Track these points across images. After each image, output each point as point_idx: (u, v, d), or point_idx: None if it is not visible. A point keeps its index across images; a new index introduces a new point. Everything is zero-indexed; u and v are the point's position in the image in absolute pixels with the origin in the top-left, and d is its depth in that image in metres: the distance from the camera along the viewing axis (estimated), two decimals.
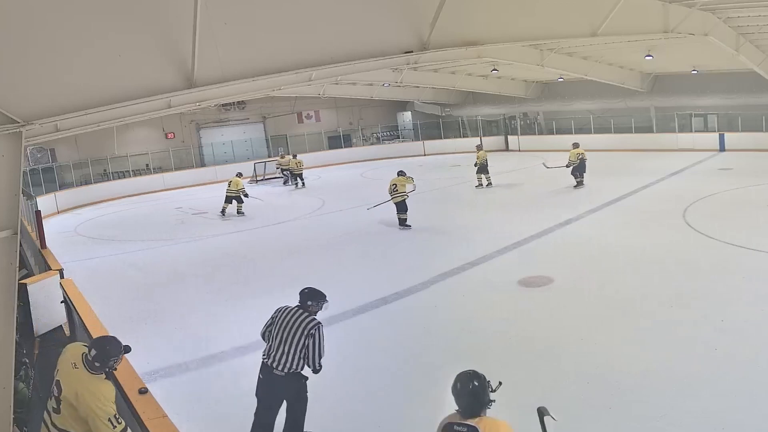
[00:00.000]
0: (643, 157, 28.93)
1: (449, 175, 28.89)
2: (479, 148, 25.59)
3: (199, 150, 40.26)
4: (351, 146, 43.34)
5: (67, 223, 26.26)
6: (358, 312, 11.30)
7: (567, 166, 22.96)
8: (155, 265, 16.97)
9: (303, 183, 31.42)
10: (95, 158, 35.49)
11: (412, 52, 15.42)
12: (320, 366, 6.56)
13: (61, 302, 10.50)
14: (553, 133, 37.50)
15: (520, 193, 23.12)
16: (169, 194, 33.45)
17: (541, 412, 4.58)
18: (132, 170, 36.79)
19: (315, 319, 6.62)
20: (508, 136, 39.26)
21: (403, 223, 18.07)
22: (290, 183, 31.96)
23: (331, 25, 13.14)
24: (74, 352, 5.21)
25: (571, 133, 34.83)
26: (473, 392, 4.39)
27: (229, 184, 24.19)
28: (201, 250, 18.32)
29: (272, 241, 18.79)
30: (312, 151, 40.44)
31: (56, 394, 5.00)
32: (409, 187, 18.15)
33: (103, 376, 5.08)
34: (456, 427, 4.40)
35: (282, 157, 33.19)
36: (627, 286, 11.50)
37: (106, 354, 5.10)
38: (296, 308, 6.73)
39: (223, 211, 23.89)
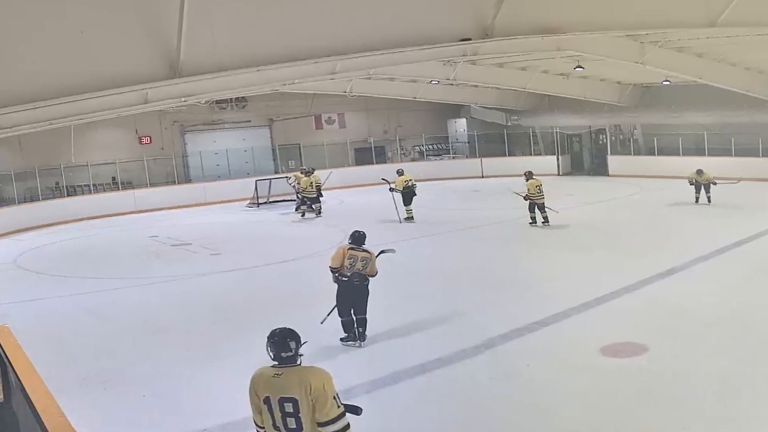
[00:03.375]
0: None
1: (514, 205, 28.68)
2: (400, 173, 27.47)
3: (184, 160, 40.70)
4: (385, 162, 43.56)
5: (5, 251, 26.62)
6: (387, 383, 11.18)
7: None
8: (120, 310, 17.06)
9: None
10: (45, 167, 35.97)
11: (470, 39, 15.52)
12: None
13: None
14: (654, 154, 37.33)
15: (607, 231, 22.98)
16: (141, 218, 33.85)
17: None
18: (93, 184, 37.23)
19: None
20: (608, 156, 39.24)
21: (546, 219, 24.04)
22: (316, 210, 30.30)
23: (363, 2, 13.21)
24: None
25: (677, 153, 34.70)
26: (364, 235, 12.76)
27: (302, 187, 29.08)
28: (181, 293, 18.43)
29: (274, 284, 18.86)
30: (333, 167, 40.02)
31: None
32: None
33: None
34: (354, 250, 12.64)
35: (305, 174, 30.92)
36: (749, 363, 11.16)
37: None
38: None
39: (318, 211, 29.29)
